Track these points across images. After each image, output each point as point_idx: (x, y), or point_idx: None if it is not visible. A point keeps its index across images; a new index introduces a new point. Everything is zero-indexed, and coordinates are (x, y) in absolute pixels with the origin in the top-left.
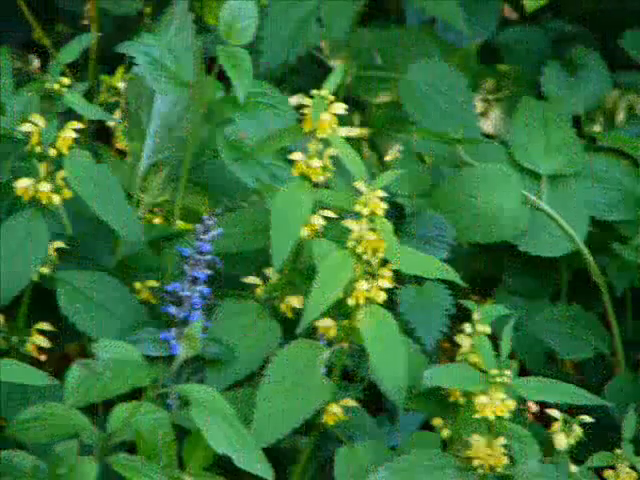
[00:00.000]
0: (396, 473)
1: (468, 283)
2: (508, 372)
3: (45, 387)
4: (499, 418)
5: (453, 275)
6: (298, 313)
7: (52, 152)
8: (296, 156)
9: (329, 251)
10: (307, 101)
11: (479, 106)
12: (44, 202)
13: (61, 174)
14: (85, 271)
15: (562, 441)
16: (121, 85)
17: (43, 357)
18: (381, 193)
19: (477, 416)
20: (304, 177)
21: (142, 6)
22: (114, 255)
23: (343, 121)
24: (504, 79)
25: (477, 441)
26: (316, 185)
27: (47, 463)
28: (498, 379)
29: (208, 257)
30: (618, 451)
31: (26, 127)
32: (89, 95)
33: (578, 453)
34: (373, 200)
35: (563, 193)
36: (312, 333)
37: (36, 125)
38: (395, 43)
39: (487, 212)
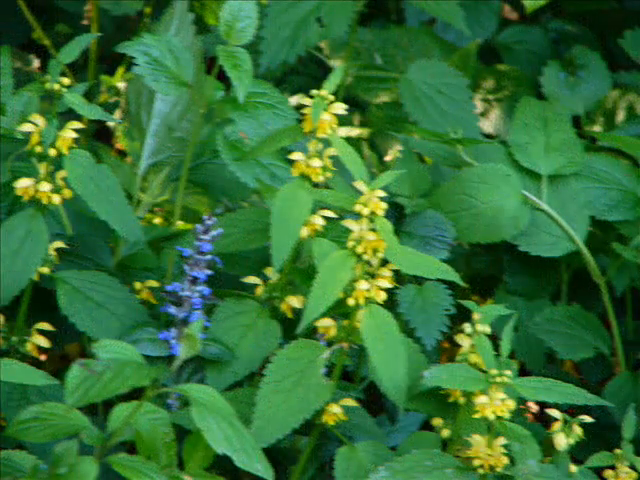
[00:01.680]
0: (396, 473)
1: (468, 283)
2: (508, 372)
3: (45, 387)
4: (499, 418)
5: (453, 275)
6: (298, 313)
7: (52, 152)
8: (296, 156)
9: (329, 251)
10: (307, 101)
11: (479, 106)
12: (44, 202)
13: (61, 174)
14: (85, 271)
15: (562, 441)
16: (121, 85)
17: (43, 357)
18: (381, 193)
19: (477, 416)
20: (304, 177)
21: (142, 6)
22: (114, 255)
23: (343, 121)
24: (504, 79)
25: (477, 441)
26: (316, 185)
27: (47, 463)
28: (498, 379)
29: (208, 257)
30: (618, 451)
31: (26, 127)
32: (89, 95)
33: (578, 453)
34: (373, 200)
35: (563, 193)
36: (312, 333)
37: (36, 125)
38: (395, 43)
39: (487, 212)
